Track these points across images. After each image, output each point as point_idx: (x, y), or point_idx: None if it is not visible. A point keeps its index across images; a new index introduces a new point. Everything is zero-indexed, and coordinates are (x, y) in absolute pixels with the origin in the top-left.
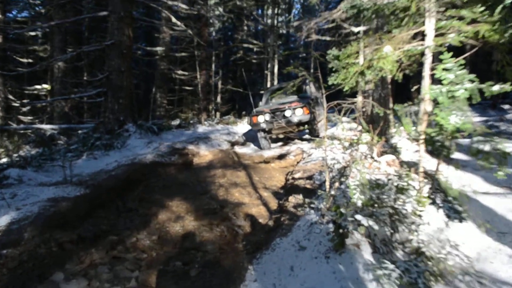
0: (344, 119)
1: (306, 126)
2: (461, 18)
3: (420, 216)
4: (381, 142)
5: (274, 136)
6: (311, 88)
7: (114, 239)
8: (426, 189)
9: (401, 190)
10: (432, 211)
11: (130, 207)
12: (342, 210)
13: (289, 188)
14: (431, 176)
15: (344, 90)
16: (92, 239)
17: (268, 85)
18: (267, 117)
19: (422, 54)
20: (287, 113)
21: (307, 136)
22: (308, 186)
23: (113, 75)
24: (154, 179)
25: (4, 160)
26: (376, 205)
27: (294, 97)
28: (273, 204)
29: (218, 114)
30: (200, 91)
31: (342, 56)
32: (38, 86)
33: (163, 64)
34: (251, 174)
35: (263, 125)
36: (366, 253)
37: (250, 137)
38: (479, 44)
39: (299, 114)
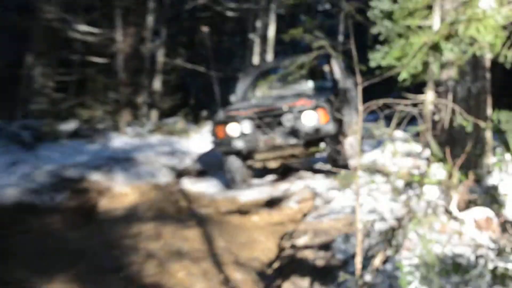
0: (398, 134)
1: (323, 145)
2: None
3: None
4: (467, 182)
5: (259, 165)
6: (335, 72)
7: None
8: None
9: (502, 279)
10: None
11: None
12: None
13: (285, 266)
14: None
15: (401, 78)
16: None
17: (255, 61)
18: (247, 126)
19: None
20: (287, 119)
21: (323, 166)
22: (321, 263)
23: None
24: (19, 238)
25: None
26: None
27: (303, 87)
28: None
29: (154, 113)
30: (121, 68)
31: (400, 12)
32: None
33: (51, 10)
34: (212, 236)
35: (238, 144)
36: None
37: (214, 162)
38: None
39: (310, 121)
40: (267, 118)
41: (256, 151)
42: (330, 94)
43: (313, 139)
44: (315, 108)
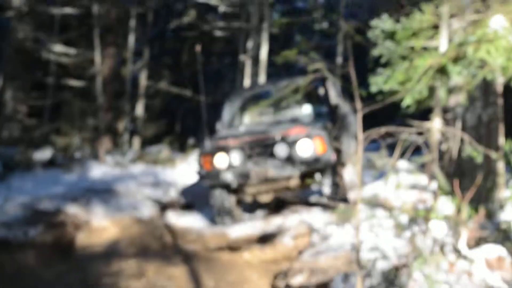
0: (401, 164)
1: (319, 177)
2: None
3: None
4: (477, 218)
5: (249, 199)
6: (331, 96)
7: None
8: None
9: None
10: None
11: None
12: None
13: None
14: None
15: (404, 105)
16: None
17: (246, 84)
18: (236, 157)
19: None
20: (280, 149)
21: (320, 199)
22: None
23: None
24: None
25: None
26: None
27: (297, 113)
28: None
29: (137, 141)
30: (100, 91)
31: (403, 33)
32: None
33: (24, 29)
34: (199, 274)
35: (227, 176)
36: None
37: (201, 194)
38: None
39: (305, 151)
40: (259, 148)
41: (246, 184)
42: (326, 120)
43: (310, 170)
44: (311, 136)
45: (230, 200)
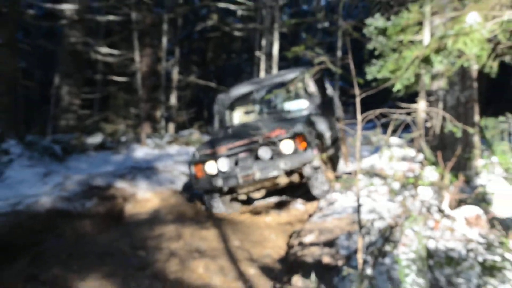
0: (393, 140)
1: (308, 172)
2: None
3: None
4: (457, 183)
5: (243, 197)
6: (328, 89)
7: None
8: None
9: (490, 270)
10: None
11: None
12: None
13: (293, 262)
14: None
15: (395, 90)
16: None
17: (262, 75)
18: (224, 163)
19: None
20: (263, 151)
21: (282, 198)
22: (326, 258)
23: None
24: (53, 241)
25: None
26: None
27: (283, 108)
28: None
29: (171, 126)
30: (140, 85)
31: (393, 29)
32: None
33: (75, 35)
34: (227, 235)
35: (218, 182)
36: None
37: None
38: None
39: (287, 150)
40: (244, 153)
41: (237, 187)
42: (311, 114)
43: (294, 168)
44: (291, 136)
45: (224, 201)
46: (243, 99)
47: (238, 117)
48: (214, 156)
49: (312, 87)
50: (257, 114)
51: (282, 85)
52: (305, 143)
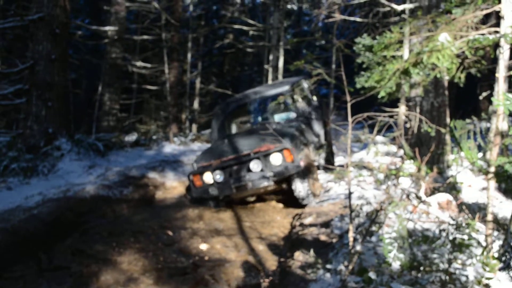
0: (379, 138)
1: (295, 180)
2: None
3: (487, 286)
4: (431, 174)
5: (238, 201)
6: (318, 99)
7: None
8: (496, 246)
9: (459, 247)
10: (505, 280)
11: (59, 264)
12: (372, 275)
13: (296, 240)
14: (504, 227)
15: (379, 96)
16: None
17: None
18: (219, 175)
19: (496, 46)
20: (254, 164)
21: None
22: (322, 237)
23: (40, 65)
24: (96, 222)
25: None
26: (422, 269)
27: (274, 119)
28: (272, 262)
29: (194, 126)
30: (168, 92)
31: (378, 46)
32: None
33: (115, 51)
34: (240, 217)
35: (213, 191)
36: None
37: None
38: None
39: (276, 163)
40: (237, 165)
41: (231, 195)
42: (297, 127)
43: (282, 178)
44: (280, 150)
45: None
46: (238, 110)
47: (234, 127)
48: (210, 168)
49: (300, 100)
50: (251, 125)
51: (273, 97)
52: (292, 156)
